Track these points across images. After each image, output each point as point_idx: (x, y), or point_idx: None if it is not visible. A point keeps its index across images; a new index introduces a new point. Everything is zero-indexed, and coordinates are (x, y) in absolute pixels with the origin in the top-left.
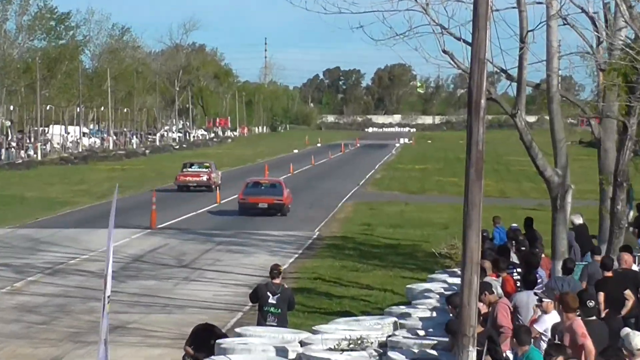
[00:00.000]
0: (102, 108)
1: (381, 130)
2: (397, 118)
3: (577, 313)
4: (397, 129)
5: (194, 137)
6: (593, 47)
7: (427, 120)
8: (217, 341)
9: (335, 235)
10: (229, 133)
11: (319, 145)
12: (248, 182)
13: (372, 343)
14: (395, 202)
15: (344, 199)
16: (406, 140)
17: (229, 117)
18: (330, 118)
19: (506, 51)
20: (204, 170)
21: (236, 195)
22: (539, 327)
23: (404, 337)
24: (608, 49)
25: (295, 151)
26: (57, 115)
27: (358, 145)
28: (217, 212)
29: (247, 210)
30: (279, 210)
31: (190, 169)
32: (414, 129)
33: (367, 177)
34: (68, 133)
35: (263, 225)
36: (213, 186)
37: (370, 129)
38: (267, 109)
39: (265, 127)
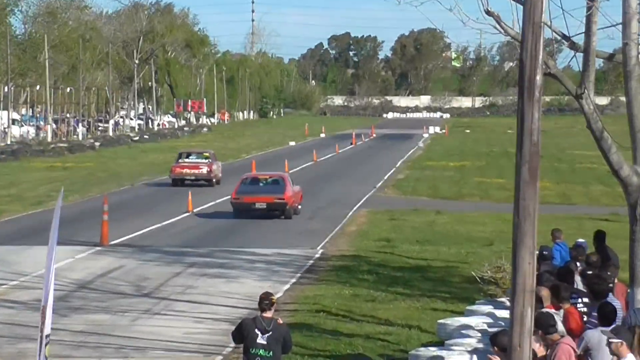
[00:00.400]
0: (38, 87)
1: (404, 116)
2: (425, 100)
3: None
4: (425, 115)
5: (158, 125)
6: None
7: (465, 102)
8: None
9: (344, 254)
10: (204, 120)
11: (322, 135)
12: (244, 178)
13: None
14: (424, 210)
15: (356, 207)
16: (437, 129)
17: (204, 100)
18: (338, 100)
19: (569, 12)
20: (204, 161)
21: (214, 202)
22: None
23: None
24: None
25: (292, 144)
26: None
27: (374, 135)
28: (193, 222)
29: (242, 212)
30: (281, 211)
31: (187, 160)
32: (448, 115)
33: (386, 177)
34: None
35: (250, 240)
36: (214, 180)
37: (389, 115)
38: (255, 89)
39: (252, 113)
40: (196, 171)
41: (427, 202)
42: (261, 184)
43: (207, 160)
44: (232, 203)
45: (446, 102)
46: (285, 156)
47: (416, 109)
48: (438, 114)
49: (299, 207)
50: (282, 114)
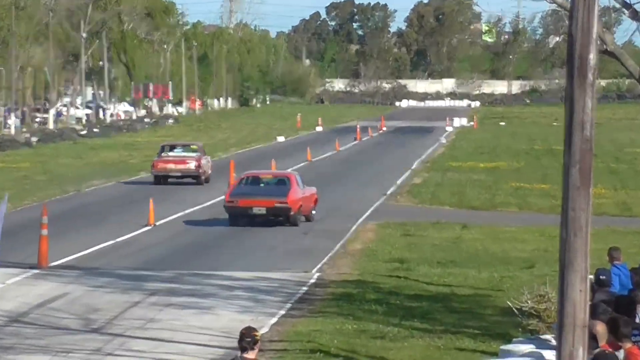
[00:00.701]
0: None
1: (422, 104)
2: (448, 85)
3: None
4: (448, 103)
5: (112, 115)
6: None
7: (499, 88)
8: None
9: (346, 279)
10: (170, 109)
11: (319, 129)
12: (243, 178)
13: None
14: (447, 223)
15: (362, 219)
16: (464, 121)
17: (170, 84)
18: (339, 84)
19: None
20: (191, 155)
21: (183, 213)
22: None
23: None
24: None
25: (280, 139)
26: None
27: (384, 129)
28: (156, 238)
29: (237, 217)
30: (284, 217)
31: (171, 154)
32: (477, 103)
33: (399, 182)
34: None
35: (228, 260)
36: (202, 177)
37: (403, 103)
38: (234, 70)
39: (230, 100)
40: (182, 166)
41: (451, 213)
42: (262, 185)
43: (195, 154)
44: (226, 207)
45: (475, 87)
46: (272, 155)
47: (437, 95)
48: (465, 102)
49: (313, 212)
50: (267, 102)
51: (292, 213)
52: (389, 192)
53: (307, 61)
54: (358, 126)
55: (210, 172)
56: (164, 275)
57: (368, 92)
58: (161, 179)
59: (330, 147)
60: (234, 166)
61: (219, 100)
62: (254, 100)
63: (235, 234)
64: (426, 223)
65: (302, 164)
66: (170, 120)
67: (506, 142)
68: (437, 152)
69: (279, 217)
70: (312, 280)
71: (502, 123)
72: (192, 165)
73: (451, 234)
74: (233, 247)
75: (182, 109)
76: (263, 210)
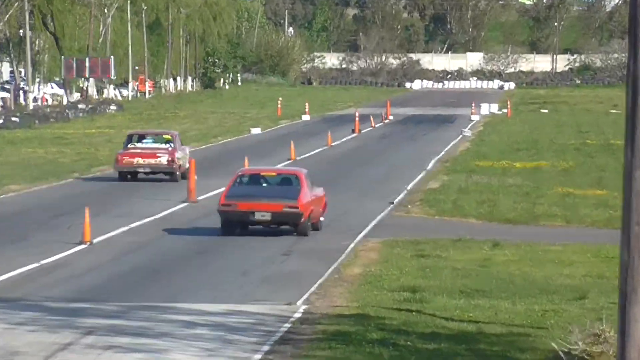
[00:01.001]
0: None
1: (440, 86)
2: (474, 60)
3: None
4: (474, 84)
5: (35, 100)
6: None
7: (541, 64)
8: None
9: (341, 314)
10: (112, 93)
11: (306, 118)
12: (239, 175)
13: None
14: (472, 241)
15: (362, 235)
16: (494, 107)
17: (111, 59)
18: (332, 60)
19: None
20: (163, 146)
21: (128, 227)
22: None
23: None
24: None
25: (255, 131)
26: None
27: (390, 118)
28: (93, 261)
29: (233, 225)
30: (292, 224)
31: (139, 145)
32: (512, 84)
33: (409, 187)
34: None
35: (189, 289)
36: (177, 172)
37: (416, 84)
38: (196, 41)
39: (191, 80)
40: (152, 161)
41: (478, 227)
42: (264, 185)
43: (167, 146)
44: (221, 212)
45: (509, 63)
46: (245, 151)
47: (460, 74)
48: (496, 83)
49: (322, 219)
50: (239, 83)
51: (303, 220)
52: (397, 200)
53: (290, 30)
54: (357, 114)
55: (187, 165)
56: (104, 309)
57: (369, 70)
58: (127, 175)
59: (321, 142)
60: (195, 166)
61: (175, 80)
62: (222, 81)
63: (200, 253)
64: (445, 240)
65: (284, 163)
66: (113, 107)
67: (549, 135)
68: (460, 148)
69: (286, 225)
70: (297, 315)
71: (545, 110)
72: (163, 159)
73: (478, 255)
74: (196, 272)
75: (127, 92)
76: (267, 216)
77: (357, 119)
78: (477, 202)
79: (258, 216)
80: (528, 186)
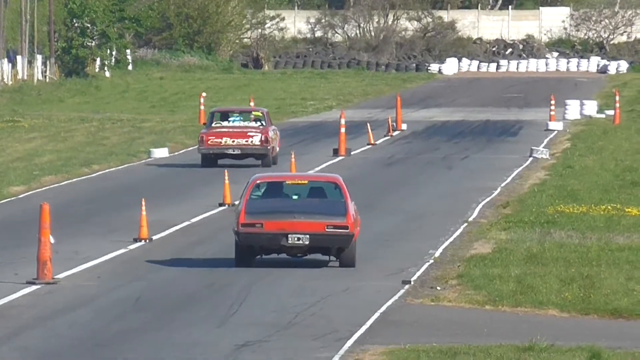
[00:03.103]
0: None
1: (493, 67)
2: (553, 19)
3: None
4: (553, 63)
5: None
6: None
7: None
8: None
9: None
10: None
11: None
12: (255, 184)
13: None
14: (554, 350)
15: (353, 339)
16: (591, 106)
17: None
18: (297, 23)
19: None
20: (253, 125)
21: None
22: None
23: None
24: None
25: (160, 154)
26: None
27: (402, 128)
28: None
29: (254, 252)
30: (336, 250)
31: (225, 123)
32: (622, 65)
33: (439, 251)
34: None
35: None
36: (271, 155)
37: (449, 65)
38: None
39: (43, 60)
40: (243, 141)
41: (564, 324)
42: (295, 197)
43: (259, 125)
44: (241, 235)
45: (618, 25)
46: (140, 190)
47: (528, 47)
48: (594, 63)
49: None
50: (130, 65)
51: (353, 242)
52: (416, 277)
53: None
54: (342, 119)
55: (278, 149)
56: None
57: (365, 42)
58: (211, 158)
59: (278, 171)
60: (48, 213)
61: (13, 62)
62: (97, 63)
63: (164, 306)
64: (507, 349)
65: (212, 212)
66: None
67: None
68: (529, 181)
69: (329, 251)
70: None
71: None
72: (256, 139)
73: None
74: (155, 334)
75: None
76: (306, 239)
77: (342, 130)
78: (562, 279)
79: (292, 240)
80: None
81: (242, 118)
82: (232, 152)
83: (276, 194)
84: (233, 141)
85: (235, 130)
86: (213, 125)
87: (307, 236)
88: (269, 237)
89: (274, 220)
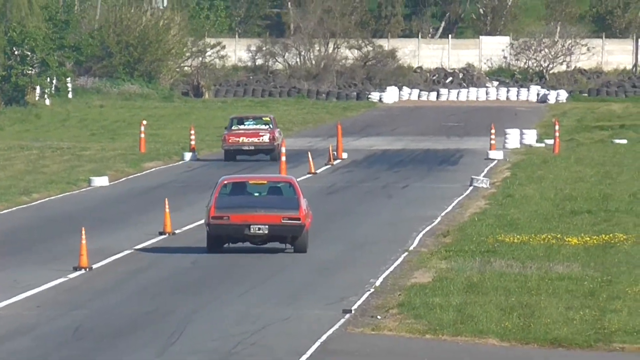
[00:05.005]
0: None
1: (433, 96)
2: (493, 48)
3: None
4: (493, 92)
5: None
6: None
7: (615, 56)
8: None
9: None
10: None
11: (189, 157)
12: (223, 184)
13: None
14: None
15: None
16: (530, 135)
17: None
18: (238, 51)
19: None
20: (263, 127)
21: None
22: None
23: None
24: None
25: (100, 182)
26: None
27: (342, 157)
28: None
29: (223, 240)
30: (291, 239)
31: (242, 126)
32: (561, 94)
33: (379, 280)
34: None
35: None
36: (277, 150)
37: (390, 94)
38: None
39: None
40: (255, 139)
41: (504, 354)
42: (256, 194)
43: (267, 127)
44: (211, 225)
45: (558, 54)
46: (80, 219)
47: (468, 76)
48: (534, 92)
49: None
50: (70, 94)
51: (305, 231)
52: (356, 307)
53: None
54: (283, 148)
55: (282, 148)
56: None
57: (305, 71)
58: (233, 154)
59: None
60: None
61: None
62: (37, 91)
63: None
64: None
65: (153, 240)
66: None
67: (629, 186)
68: (470, 210)
69: (285, 240)
70: None
71: (621, 140)
72: (265, 137)
73: None
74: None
75: None
76: (265, 229)
77: (283, 158)
78: (502, 309)
79: (254, 230)
80: (592, 279)
81: (254, 122)
82: (247, 149)
83: (240, 192)
84: (248, 140)
85: (249, 131)
86: (232, 128)
87: (267, 227)
88: (235, 227)
89: (238, 213)
